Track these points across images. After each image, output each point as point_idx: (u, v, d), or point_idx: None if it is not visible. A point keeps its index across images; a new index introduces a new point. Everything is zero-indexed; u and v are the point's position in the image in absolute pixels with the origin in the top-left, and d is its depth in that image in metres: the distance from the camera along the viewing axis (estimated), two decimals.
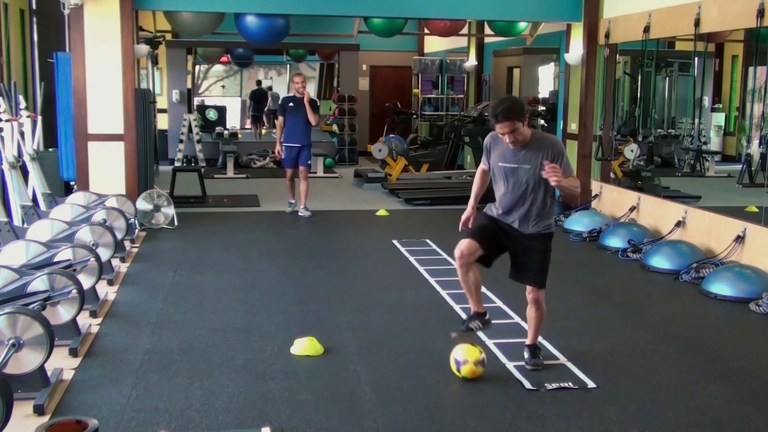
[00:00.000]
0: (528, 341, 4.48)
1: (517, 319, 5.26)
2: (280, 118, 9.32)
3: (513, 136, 4.11)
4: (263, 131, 18.18)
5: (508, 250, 4.41)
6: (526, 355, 4.44)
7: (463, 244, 4.22)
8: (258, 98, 18.36)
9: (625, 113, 11.33)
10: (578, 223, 8.35)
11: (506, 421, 3.69)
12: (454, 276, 6.36)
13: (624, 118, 11.10)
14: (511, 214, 4.35)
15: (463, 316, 5.30)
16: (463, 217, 4.49)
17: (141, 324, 5.11)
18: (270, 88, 19.45)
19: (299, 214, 9.28)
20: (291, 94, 9.46)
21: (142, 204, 8.23)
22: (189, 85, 15.93)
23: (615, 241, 7.51)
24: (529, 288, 4.39)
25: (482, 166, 4.52)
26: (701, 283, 6.11)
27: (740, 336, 5.14)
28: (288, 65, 20.82)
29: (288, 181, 9.41)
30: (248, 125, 20.44)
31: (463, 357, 4.18)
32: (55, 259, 5.06)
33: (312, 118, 9.05)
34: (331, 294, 5.95)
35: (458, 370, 4.18)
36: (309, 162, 9.39)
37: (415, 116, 16.33)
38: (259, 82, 19.42)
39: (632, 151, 9.60)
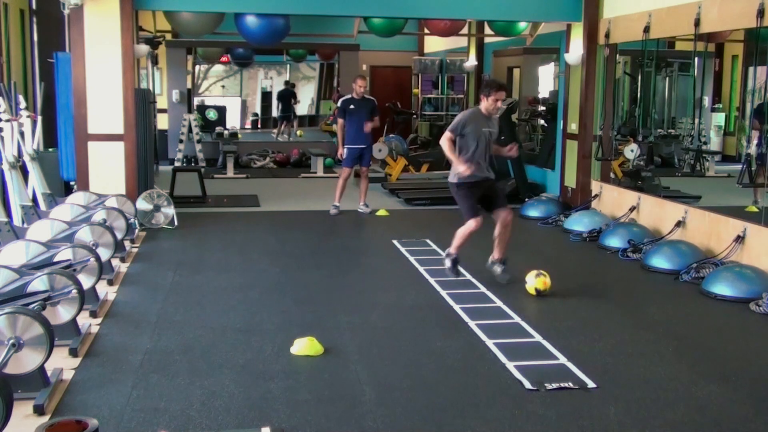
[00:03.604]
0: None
1: (517, 319, 5.26)
2: (341, 121, 9.40)
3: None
4: (300, 132, 18.21)
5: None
6: (499, 269, 6.08)
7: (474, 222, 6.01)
8: (285, 98, 18.34)
9: (625, 113, 11.33)
10: (578, 223, 8.35)
11: (506, 421, 3.69)
12: (453, 276, 6.39)
13: (624, 118, 11.10)
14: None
15: (465, 316, 5.32)
16: None
17: (141, 324, 5.11)
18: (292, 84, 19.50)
19: (359, 210, 9.48)
20: (349, 96, 9.43)
21: (142, 204, 8.23)
22: (189, 85, 15.93)
23: (615, 241, 7.51)
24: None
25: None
26: (701, 283, 6.11)
27: (740, 336, 5.14)
28: (288, 65, 20.84)
29: (342, 181, 9.43)
30: (248, 125, 20.49)
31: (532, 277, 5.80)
32: (55, 259, 5.06)
33: (369, 126, 9.33)
34: (331, 294, 5.95)
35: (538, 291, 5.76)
36: (371, 163, 9.82)
37: (415, 116, 16.33)
38: (287, 83, 19.43)
39: (632, 151, 9.60)
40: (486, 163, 6.07)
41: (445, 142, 6.04)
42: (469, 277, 6.37)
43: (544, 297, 5.79)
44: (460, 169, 5.93)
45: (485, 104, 6.04)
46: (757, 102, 8.97)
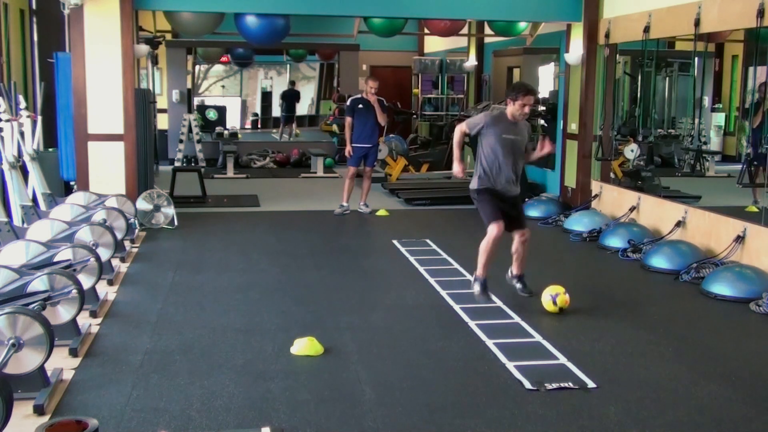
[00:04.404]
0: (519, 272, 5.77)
1: (517, 319, 5.26)
2: (349, 119, 9.46)
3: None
4: (297, 131, 18.22)
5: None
6: (518, 285, 5.74)
7: (496, 227, 5.45)
8: (290, 98, 18.35)
9: (625, 113, 11.33)
10: (578, 223, 8.35)
11: (506, 421, 3.69)
12: (454, 276, 6.39)
13: (624, 118, 11.09)
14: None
15: (465, 316, 5.32)
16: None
17: (141, 324, 5.11)
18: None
19: (359, 210, 9.49)
20: (359, 95, 9.51)
21: (142, 204, 8.23)
22: (189, 85, 15.93)
23: (615, 241, 7.51)
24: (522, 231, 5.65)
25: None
26: (701, 283, 6.11)
27: (740, 336, 5.14)
28: (288, 65, 20.85)
29: (348, 180, 9.46)
30: (248, 125, 20.50)
31: (554, 292, 5.34)
32: (55, 259, 5.06)
33: (381, 118, 9.37)
34: (331, 294, 5.95)
35: (555, 303, 5.31)
36: (375, 163, 9.83)
37: (415, 116, 16.34)
38: (292, 83, 19.45)
39: (632, 151, 9.59)
40: (511, 176, 5.48)
41: (456, 133, 5.53)
42: (468, 277, 6.36)
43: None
44: (454, 169, 5.61)
45: (511, 109, 5.43)
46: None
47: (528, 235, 5.65)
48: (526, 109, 5.42)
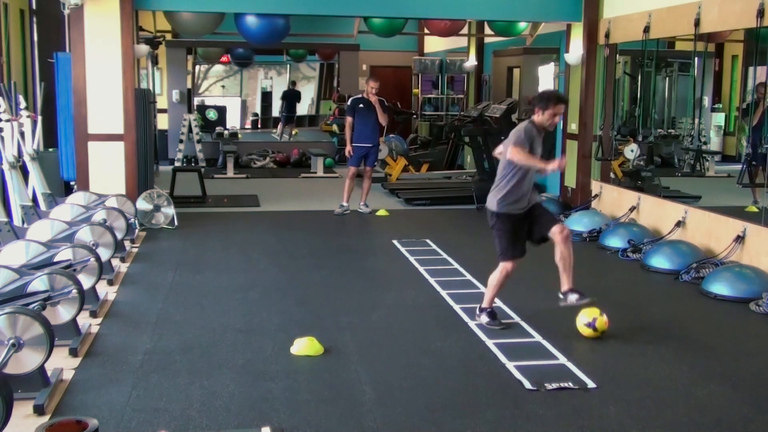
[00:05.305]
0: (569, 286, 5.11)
1: (516, 319, 5.26)
2: (350, 119, 9.46)
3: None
4: (295, 131, 18.24)
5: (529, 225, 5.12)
6: (574, 297, 5.06)
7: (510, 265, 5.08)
8: (290, 98, 18.33)
9: (625, 113, 11.33)
10: (578, 223, 8.34)
11: (506, 421, 3.69)
12: (454, 276, 6.40)
13: (624, 118, 11.10)
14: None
15: (464, 317, 5.32)
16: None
17: (141, 324, 5.11)
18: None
19: (359, 210, 9.50)
20: (360, 95, 9.54)
21: (142, 204, 8.23)
22: (189, 85, 15.93)
23: (615, 241, 7.51)
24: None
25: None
26: (701, 283, 6.11)
27: (740, 336, 5.14)
28: (288, 65, 20.85)
29: (349, 180, 9.48)
30: (248, 125, 20.49)
31: (591, 317, 4.88)
32: (55, 259, 5.06)
33: (382, 118, 9.38)
34: (331, 294, 5.95)
35: (595, 329, 4.84)
36: (375, 163, 9.84)
37: (415, 116, 16.34)
38: (293, 83, 19.44)
39: (632, 151, 9.59)
40: (532, 186, 5.13)
41: (519, 153, 4.88)
42: (468, 277, 6.37)
43: (544, 297, 5.80)
44: (550, 168, 5.00)
45: (540, 118, 5.01)
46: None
47: (567, 230, 5.07)
48: (557, 119, 5.07)
